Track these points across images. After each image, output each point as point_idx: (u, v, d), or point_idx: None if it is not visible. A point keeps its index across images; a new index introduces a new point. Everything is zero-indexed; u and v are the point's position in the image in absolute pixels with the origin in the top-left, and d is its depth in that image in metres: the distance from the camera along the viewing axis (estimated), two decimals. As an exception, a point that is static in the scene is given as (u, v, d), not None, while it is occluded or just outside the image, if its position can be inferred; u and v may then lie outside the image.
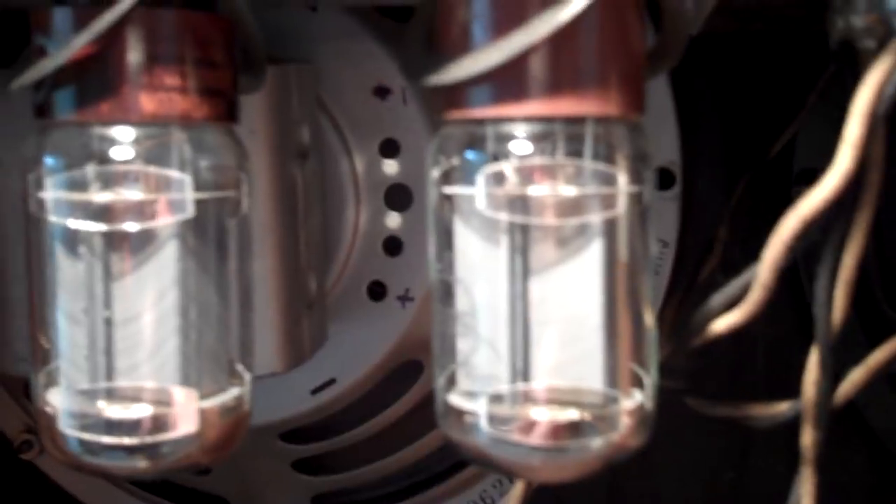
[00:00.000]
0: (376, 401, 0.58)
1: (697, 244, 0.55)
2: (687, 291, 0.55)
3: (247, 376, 0.37)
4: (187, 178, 0.34)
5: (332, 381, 0.56)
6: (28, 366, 0.48)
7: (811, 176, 0.63)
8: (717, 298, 0.37)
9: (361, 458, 0.61)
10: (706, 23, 0.49)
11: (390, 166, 0.53)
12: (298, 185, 0.48)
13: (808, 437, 0.39)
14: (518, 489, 0.42)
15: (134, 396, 0.35)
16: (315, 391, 0.56)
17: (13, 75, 0.44)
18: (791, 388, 0.39)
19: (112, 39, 0.32)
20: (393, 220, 0.53)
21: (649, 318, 0.35)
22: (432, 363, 0.36)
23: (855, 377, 0.39)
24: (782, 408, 0.40)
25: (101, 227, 0.34)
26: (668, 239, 0.56)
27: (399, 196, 0.53)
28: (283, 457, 0.60)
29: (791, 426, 0.39)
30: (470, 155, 0.33)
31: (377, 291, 0.54)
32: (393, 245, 0.54)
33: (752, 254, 0.63)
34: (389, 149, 0.53)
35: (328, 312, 0.53)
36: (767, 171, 0.56)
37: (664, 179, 0.56)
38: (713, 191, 0.59)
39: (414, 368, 0.57)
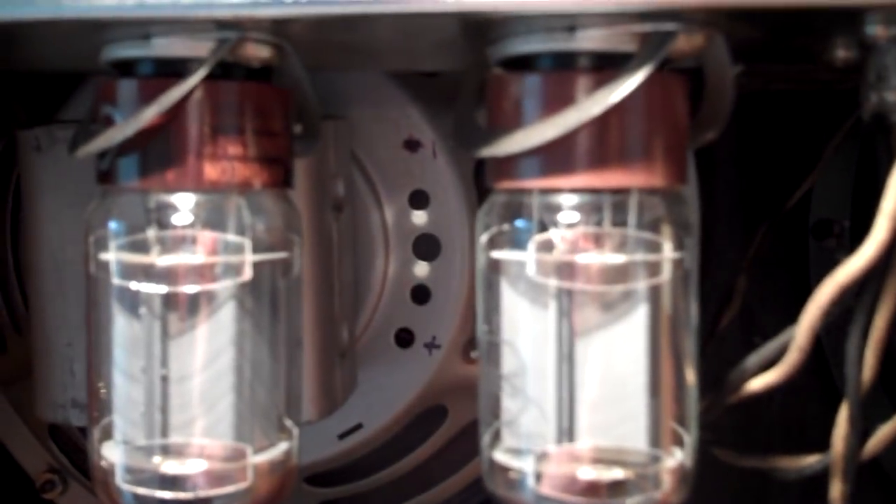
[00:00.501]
0: (401, 445, 0.59)
1: (716, 293, 0.56)
2: (707, 340, 0.56)
3: (295, 430, 0.38)
4: (247, 242, 0.35)
5: (359, 426, 0.57)
6: (64, 413, 0.49)
7: (827, 227, 0.64)
8: (753, 359, 0.38)
9: (386, 501, 0.61)
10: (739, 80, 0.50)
11: (419, 217, 0.54)
12: (334, 237, 0.50)
13: (836, 490, 0.40)
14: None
15: (188, 452, 0.36)
16: (342, 436, 0.57)
17: (57, 131, 0.46)
18: (806, 437, 0.41)
19: (177, 111, 0.33)
20: (421, 268, 0.55)
21: (691, 378, 0.36)
22: (478, 422, 0.37)
23: (883, 433, 0.40)
24: (810, 461, 0.42)
25: (162, 288, 0.35)
26: (688, 289, 0.58)
27: (427, 246, 0.54)
28: (309, 500, 0.61)
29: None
30: (519, 223, 0.35)
31: (405, 338, 0.55)
32: (421, 293, 0.55)
33: (769, 303, 0.64)
34: (419, 200, 0.54)
35: (357, 359, 0.54)
36: (784, 222, 0.57)
37: (683, 230, 0.57)
38: (731, 241, 0.60)
39: (439, 413, 0.58)
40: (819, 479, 0.40)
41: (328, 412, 0.50)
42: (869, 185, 0.40)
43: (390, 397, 0.56)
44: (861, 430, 0.39)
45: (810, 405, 0.54)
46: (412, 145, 0.53)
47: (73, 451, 0.62)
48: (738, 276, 0.56)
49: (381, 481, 0.60)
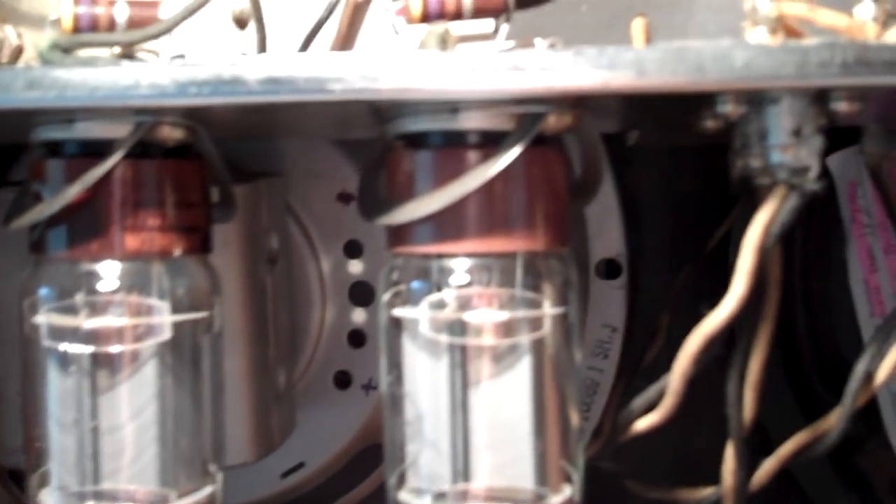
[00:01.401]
0: (342, 483, 0.61)
1: (643, 329, 0.59)
2: (633, 374, 0.59)
3: (219, 475, 0.41)
4: (165, 305, 0.38)
5: (301, 465, 0.59)
6: (16, 458, 0.52)
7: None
8: (638, 401, 0.42)
9: (330, 538, 0.64)
10: (640, 141, 0.54)
11: (354, 266, 0.57)
12: (268, 288, 0.53)
13: (727, 521, 0.43)
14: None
15: (118, 497, 0.39)
16: (285, 474, 0.59)
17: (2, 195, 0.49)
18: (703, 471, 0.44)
19: (100, 187, 0.37)
20: (357, 315, 0.58)
21: (575, 419, 0.40)
22: (384, 464, 0.40)
23: (768, 466, 0.44)
24: (707, 493, 0.45)
25: (88, 349, 0.38)
26: (617, 325, 0.60)
27: (363, 292, 0.57)
28: (255, 537, 0.63)
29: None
30: (415, 284, 0.38)
31: (343, 380, 0.58)
32: (357, 337, 0.58)
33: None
34: (353, 250, 0.57)
35: (297, 400, 0.57)
36: (709, 261, 0.60)
37: (611, 270, 0.60)
38: (657, 280, 0.62)
39: (377, 451, 0.60)
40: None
41: (265, 453, 0.52)
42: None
43: (330, 437, 0.59)
44: (747, 464, 0.43)
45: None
46: (345, 198, 0.56)
47: None
48: (662, 313, 0.59)
49: (323, 518, 0.63)
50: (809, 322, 0.63)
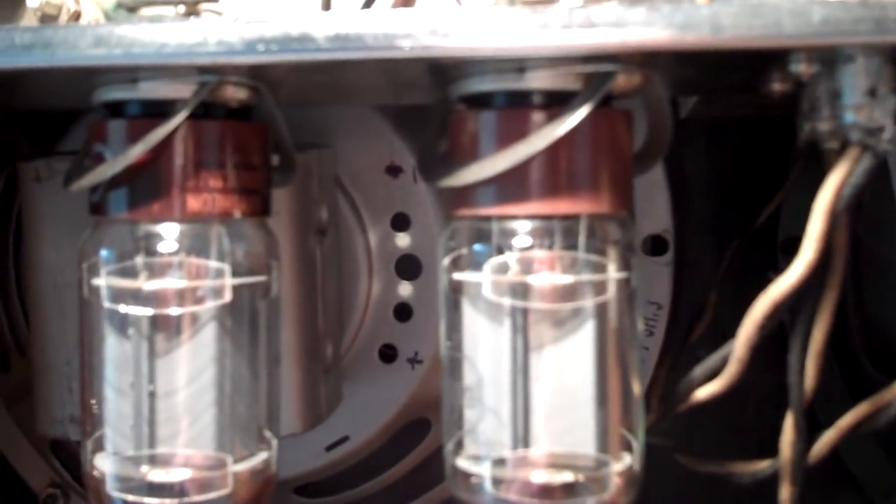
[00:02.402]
0: (386, 456, 0.61)
1: (689, 307, 0.59)
2: (679, 352, 0.58)
3: (274, 441, 0.41)
4: (226, 267, 0.38)
5: (345, 439, 0.59)
6: (63, 428, 0.52)
7: (794, 243, 0.67)
8: (699, 370, 0.41)
9: (374, 511, 0.64)
10: (695, 110, 0.53)
11: (401, 239, 0.57)
12: (317, 260, 0.52)
13: (785, 492, 0.42)
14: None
15: (173, 462, 0.39)
16: (329, 448, 0.60)
17: (56, 163, 0.49)
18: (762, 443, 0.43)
19: (162, 148, 0.37)
20: (404, 288, 0.57)
21: (637, 388, 0.39)
22: (442, 430, 0.40)
23: (828, 437, 0.43)
24: (762, 465, 0.44)
25: (148, 311, 0.38)
26: (662, 302, 0.60)
27: (409, 266, 0.57)
28: (298, 510, 0.63)
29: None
30: (477, 247, 0.38)
31: (388, 354, 0.58)
32: (403, 311, 0.57)
33: (740, 316, 0.67)
34: (400, 223, 0.57)
35: (342, 374, 0.57)
36: (754, 238, 0.60)
37: (658, 246, 0.60)
38: (704, 257, 0.62)
39: (422, 426, 0.60)
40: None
41: (313, 425, 0.52)
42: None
43: (375, 411, 0.59)
44: (806, 436, 0.42)
45: (782, 414, 0.56)
46: (394, 171, 0.56)
47: (75, 465, 0.64)
48: (709, 290, 0.59)
49: (367, 492, 0.62)
50: (858, 299, 0.62)
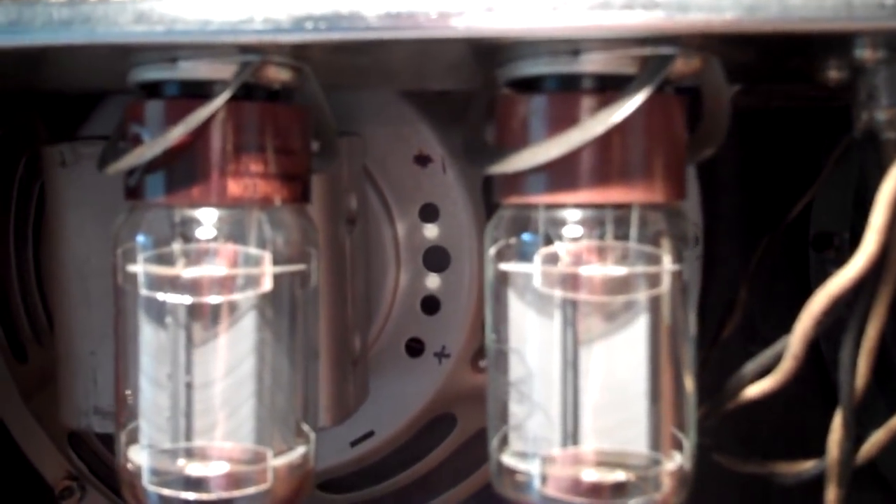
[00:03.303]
0: (412, 452, 0.60)
1: (718, 303, 0.58)
2: (709, 350, 0.57)
3: (312, 435, 0.40)
4: (267, 255, 0.37)
5: (370, 434, 0.59)
6: (87, 420, 0.51)
7: (827, 240, 0.66)
8: (750, 367, 0.40)
9: (398, 507, 0.63)
10: (732, 101, 0.52)
11: (429, 230, 0.56)
12: (347, 250, 0.51)
13: (832, 494, 0.41)
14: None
15: (211, 455, 0.38)
16: (354, 443, 0.59)
17: (81, 148, 0.48)
18: (806, 444, 0.42)
19: (202, 130, 0.35)
20: (431, 280, 0.56)
21: (689, 385, 0.38)
22: (487, 426, 0.39)
23: (877, 438, 0.42)
24: (807, 466, 0.43)
25: (186, 299, 0.37)
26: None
27: (437, 258, 0.56)
28: (322, 505, 0.62)
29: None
30: (526, 236, 0.36)
31: (415, 348, 0.57)
32: (431, 304, 0.56)
33: (770, 313, 0.66)
34: (429, 213, 0.56)
35: (369, 368, 0.56)
36: (785, 235, 0.59)
37: (687, 240, 0.59)
38: (734, 253, 0.61)
39: (448, 421, 0.59)
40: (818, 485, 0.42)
41: (341, 419, 0.51)
42: (866, 199, 0.42)
43: (401, 405, 0.58)
44: (855, 436, 0.41)
45: (809, 414, 0.55)
46: (423, 160, 0.55)
47: (92, 458, 0.63)
48: (740, 287, 0.58)
49: (392, 487, 0.61)
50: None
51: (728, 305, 0.57)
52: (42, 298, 0.59)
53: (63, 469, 0.64)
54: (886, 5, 0.31)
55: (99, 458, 0.63)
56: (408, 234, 0.56)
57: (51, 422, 0.61)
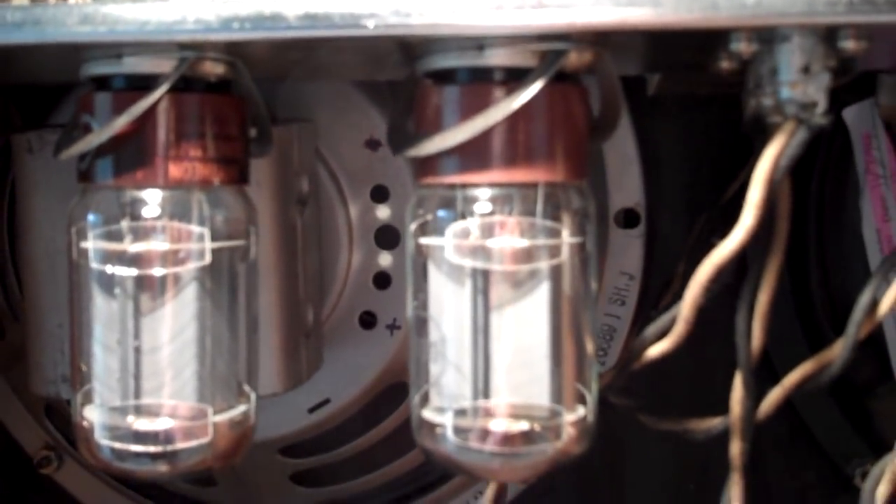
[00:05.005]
0: (367, 419, 0.64)
1: (660, 277, 0.61)
2: (646, 320, 0.61)
3: (252, 395, 0.44)
4: (206, 231, 0.41)
5: (326, 401, 0.62)
6: (55, 388, 0.55)
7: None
8: (650, 330, 0.44)
9: (354, 471, 0.66)
10: (660, 87, 0.55)
11: (381, 210, 0.59)
12: (298, 229, 0.55)
13: (735, 448, 0.45)
14: (489, 495, 0.48)
15: (157, 412, 0.42)
16: (311, 410, 0.62)
17: (47, 135, 0.52)
18: (715, 404, 0.46)
19: (146, 119, 0.39)
20: (383, 258, 0.60)
21: (590, 346, 0.42)
22: (409, 385, 0.43)
23: (774, 394, 0.45)
24: (715, 422, 0.47)
25: (133, 272, 0.41)
26: (634, 273, 0.63)
27: (388, 236, 0.60)
28: (283, 470, 0.66)
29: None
30: (441, 213, 0.40)
31: (368, 321, 0.61)
32: (382, 280, 0.60)
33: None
34: (380, 195, 0.59)
35: (324, 339, 0.60)
36: (723, 212, 0.62)
37: (630, 219, 0.62)
38: (675, 230, 0.63)
39: (401, 389, 0.62)
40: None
41: (293, 385, 0.55)
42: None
43: (356, 374, 0.61)
44: (755, 394, 0.44)
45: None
46: (373, 145, 0.59)
47: (68, 428, 0.66)
48: (678, 262, 0.61)
49: (349, 452, 0.65)
50: (823, 271, 0.64)
51: (667, 279, 0.60)
52: (17, 276, 0.62)
53: (41, 439, 0.67)
54: (748, 5, 0.35)
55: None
56: (360, 215, 0.59)
57: (28, 394, 0.63)
